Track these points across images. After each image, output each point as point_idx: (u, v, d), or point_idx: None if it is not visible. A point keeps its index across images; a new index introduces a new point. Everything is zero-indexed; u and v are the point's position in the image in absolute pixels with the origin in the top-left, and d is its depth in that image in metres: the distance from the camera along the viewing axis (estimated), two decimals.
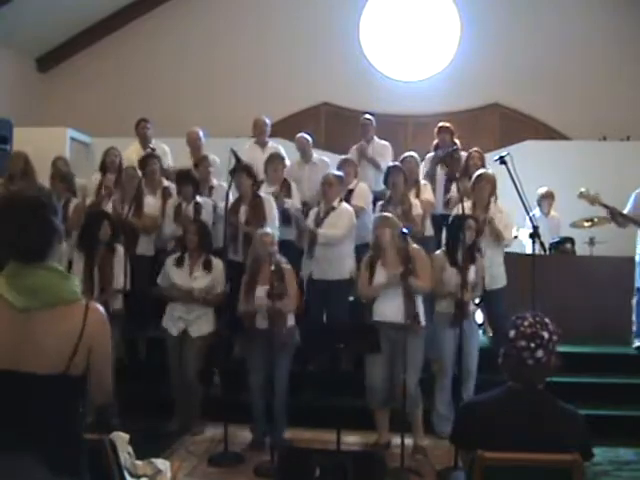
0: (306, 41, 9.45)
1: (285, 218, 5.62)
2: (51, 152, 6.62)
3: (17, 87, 9.34)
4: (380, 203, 5.56)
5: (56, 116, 9.00)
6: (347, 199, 5.61)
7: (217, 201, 5.73)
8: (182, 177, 5.66)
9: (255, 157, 6.20)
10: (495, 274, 5.03)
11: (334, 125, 9.35)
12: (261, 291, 4.48)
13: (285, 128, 8.44)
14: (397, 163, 5.78)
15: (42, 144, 6.43)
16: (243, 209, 5.39)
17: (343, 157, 6.20)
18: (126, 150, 6.52)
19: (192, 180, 5.62)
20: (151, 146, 6.40)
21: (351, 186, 5.82)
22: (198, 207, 5.52)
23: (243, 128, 7.40)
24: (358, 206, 5.62)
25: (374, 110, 7.67)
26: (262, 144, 6.61)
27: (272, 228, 4.95)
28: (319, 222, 5.28)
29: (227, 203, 4.85)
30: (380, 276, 4.47)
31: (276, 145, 6.61)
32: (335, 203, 5.32)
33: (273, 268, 4.43)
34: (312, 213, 5.46)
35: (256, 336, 4.51)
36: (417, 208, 5.48)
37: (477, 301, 4.84)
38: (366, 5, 9.77)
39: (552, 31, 9.20)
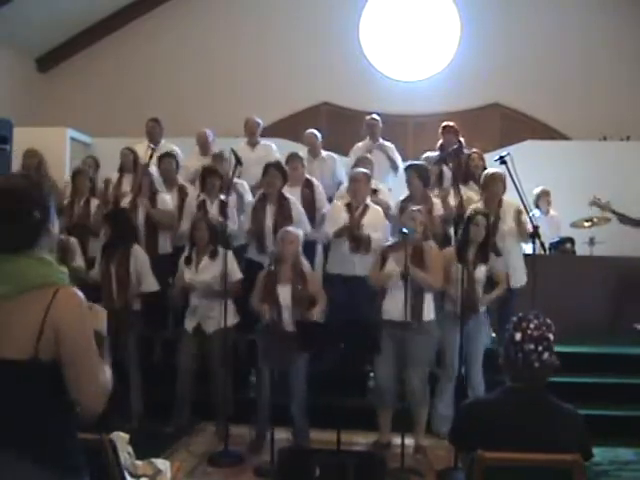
0: (306, 41, 9.44)
1: None
2: (51, 152, 6.60)
3: (17, 87, 9.33)
4: (400, 200, 5.47)
5: (56, 116, 8.99)
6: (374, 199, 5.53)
7: (244, 193, 5.71)
8: (208, 171, 5.69)
9: (245, 157, 6.01)
10: (515, 273, 4.99)
11: (334, 125, 9.31)
12: (285, 291, 4.41)
13: (285, 128, 8.44)
14: (413, 162, 5.69)
15: (42, 144, 6.41)
16: (270, 209, 5.29)
17: (361, 155, 6.10)
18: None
19: (218, 174, 5.64)
20: (151, 146, 6.37)
21: (373, 185, 5.71)
22: (223, 205, 5.43)
23: (243, 128, 7.39)
24: (390, 206, 5.56)
25: (374, 110, 7.65)
26: (252, 144, 6.57)
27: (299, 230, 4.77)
28: (358, 220, 5.13)
29: (227, 201, 4.86)
30: (390, 267, 4.44)
31: (268, 144, 6.57)
32: (368, 201, 5.25)
33: (293, 269, 4.37)
34: (335, 209, 5.31)
35: (277, 336, 4.34)
36: (438, 208, 5.38)
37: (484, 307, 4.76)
38: (366, 5, 9.77)
39: (552, 31, 9.20)
